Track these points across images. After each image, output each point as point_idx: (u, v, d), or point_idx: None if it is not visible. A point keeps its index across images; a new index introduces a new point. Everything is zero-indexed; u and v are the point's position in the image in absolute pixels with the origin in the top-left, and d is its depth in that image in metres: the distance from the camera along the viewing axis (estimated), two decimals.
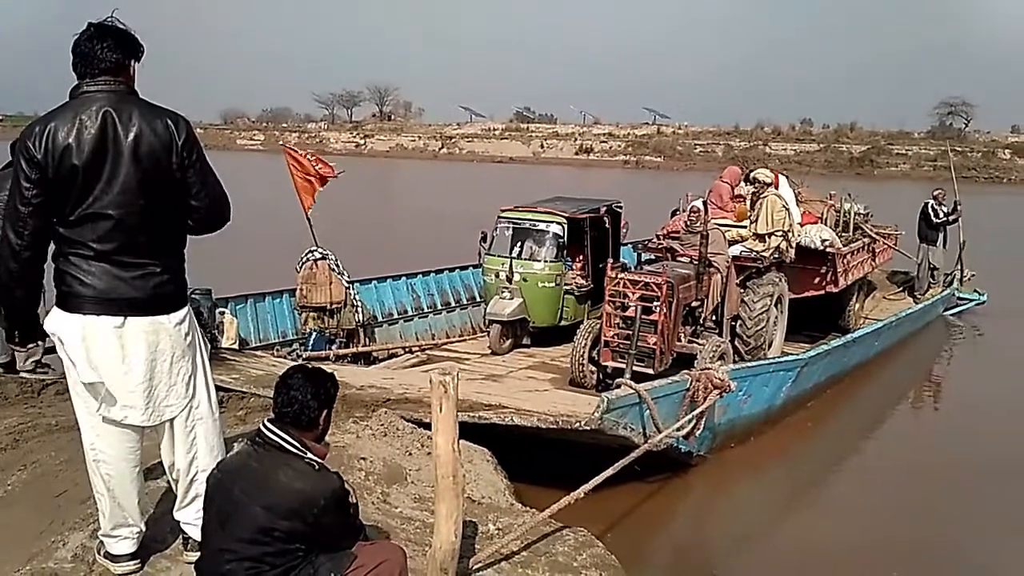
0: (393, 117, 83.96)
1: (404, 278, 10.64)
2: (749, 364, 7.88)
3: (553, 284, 9.56)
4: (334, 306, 8.88)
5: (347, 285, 8.99)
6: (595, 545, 4.57)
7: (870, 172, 51.79)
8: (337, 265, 8.94)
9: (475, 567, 4.07)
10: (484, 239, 9.92)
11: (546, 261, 9.57)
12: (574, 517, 4.80)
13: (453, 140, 71.03)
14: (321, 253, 8.93)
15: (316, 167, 9.15)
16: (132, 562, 3.44)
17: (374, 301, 10.01)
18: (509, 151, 66.26)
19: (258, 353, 8.07)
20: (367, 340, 9.33)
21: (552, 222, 9.64)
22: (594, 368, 8.21)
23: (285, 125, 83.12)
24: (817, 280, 10.09)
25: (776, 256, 9.24)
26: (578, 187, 32.42)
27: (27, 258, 3.03)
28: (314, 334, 8.85)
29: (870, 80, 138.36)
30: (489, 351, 9.57)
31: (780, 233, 9.13)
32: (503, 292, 9.49)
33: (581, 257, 10.02)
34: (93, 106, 2.99)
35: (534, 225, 9.73)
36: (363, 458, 5.04)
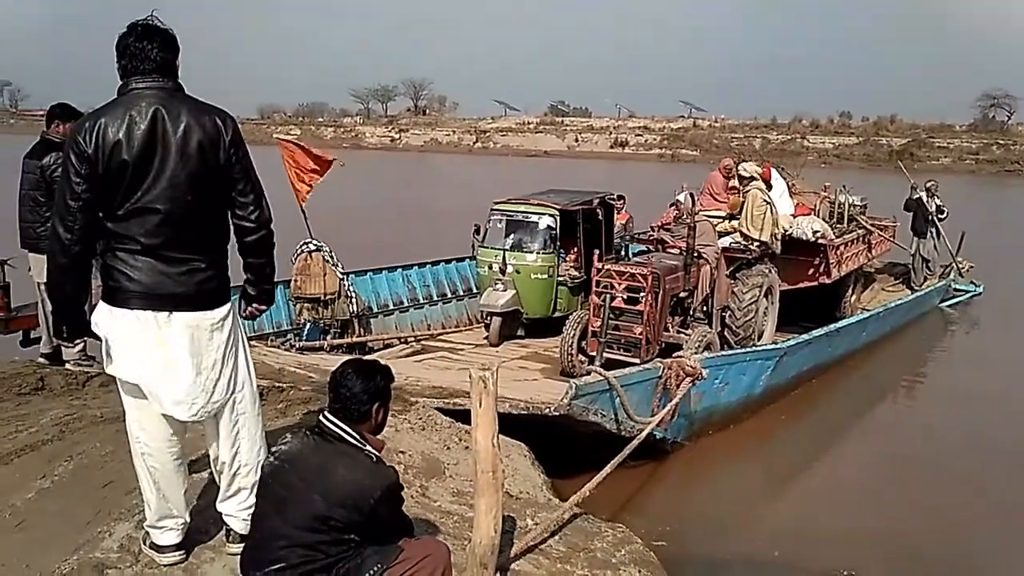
0: (428, 111, 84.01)
1: (400, 270, 10.77)
2: (725, 353, 7.91)
3: (546, 275, 9.62)
4: (328, 297, 9.04)
5: (341, 276, 9.15)
6: (634, 542, 4.60)
7: (910, 165, 50.51)
8: (331, 257, 9.10)
9: (514, 562, 4.12)
10: (478, 231, 10.02)
11: (539, 253, 9.61)
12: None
13: (487, 134, 71.07)
14: (315, 245, 9.08)
15: (310, 162, 9.32)
16: (177, 553, 3.50)
17: (370, 292, 10.16)
18: (544, 145, 66.18)
19: (251, 343, 8.25)
20: (361, 330, 9.50)
21: (544, 214, 9.69)
22: (584, 358, 8.25)
23: (321, 119, 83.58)
24: (810, 271, 10.07)
25: (763, 247, 9.24)
26: (612, 181, 32.33)
27: (77, 252, 3.07)
28: (308, 325, 9.05)
29: (911, 72, 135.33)
30: (486, 341, 9.67)
31: (760, 227, 9.14)
32: (496, 284, 9.55)
33: (575, 249, 10.05)
34: (143, 103, 3.05)
35: (526, 217, 9.78)
36: (401, 451, 5.09)
